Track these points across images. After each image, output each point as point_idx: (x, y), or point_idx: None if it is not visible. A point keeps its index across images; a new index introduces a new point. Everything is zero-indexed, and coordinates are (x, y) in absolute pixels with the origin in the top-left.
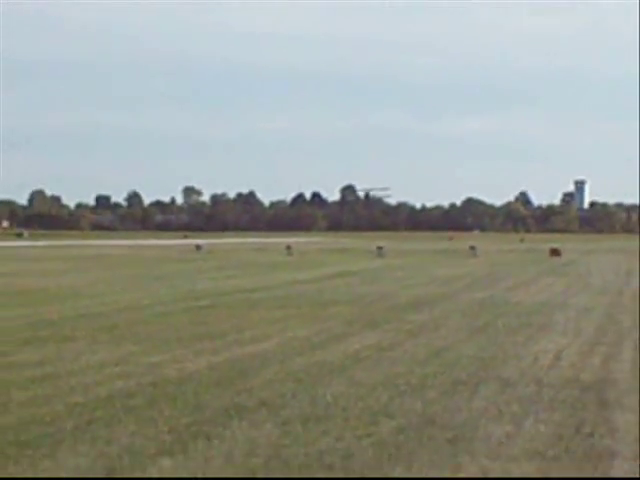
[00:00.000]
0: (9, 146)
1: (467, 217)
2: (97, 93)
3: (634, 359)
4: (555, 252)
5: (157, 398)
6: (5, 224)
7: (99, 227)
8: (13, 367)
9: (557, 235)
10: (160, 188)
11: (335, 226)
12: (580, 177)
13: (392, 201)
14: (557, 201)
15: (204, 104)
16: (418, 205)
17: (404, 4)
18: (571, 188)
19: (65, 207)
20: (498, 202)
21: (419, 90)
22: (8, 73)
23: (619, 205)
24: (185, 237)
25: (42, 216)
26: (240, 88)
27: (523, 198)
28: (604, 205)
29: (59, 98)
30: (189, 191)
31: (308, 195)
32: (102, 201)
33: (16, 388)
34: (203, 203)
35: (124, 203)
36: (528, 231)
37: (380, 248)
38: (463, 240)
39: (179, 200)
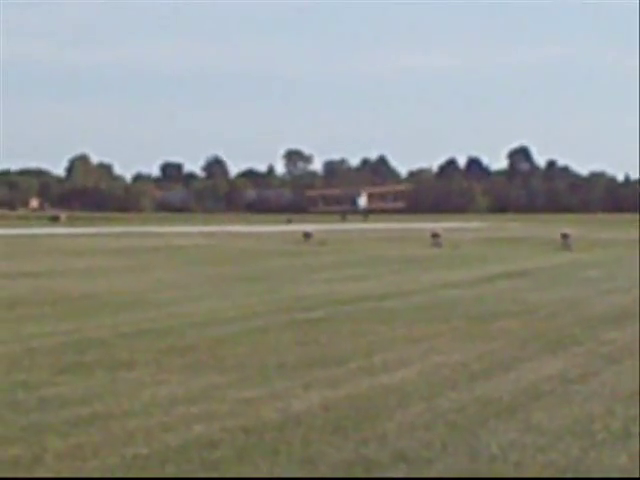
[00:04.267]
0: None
1: None
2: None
3: None
4: None
5: (250, 449)
6: (34, 203)
7: (167, 207)
8: (49, 404)
9: None
10: (253, 152)
11: (500, 205)
12: None
13: (582, 171)
14: None
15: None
16: (620, 176)
17: None
18: None
19: (119, 179)
20: None
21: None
22: None
23: None
24: (289, 221)
25: (86, 192)
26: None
27: None
28: None
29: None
30: (293, 156)
31: (462, 162)
32: (171, 171)
33: (53, 434)
34: (313, 173)
35: (201, 174)
36: None
37: (566, 237)
38: None
39: (279, 169)
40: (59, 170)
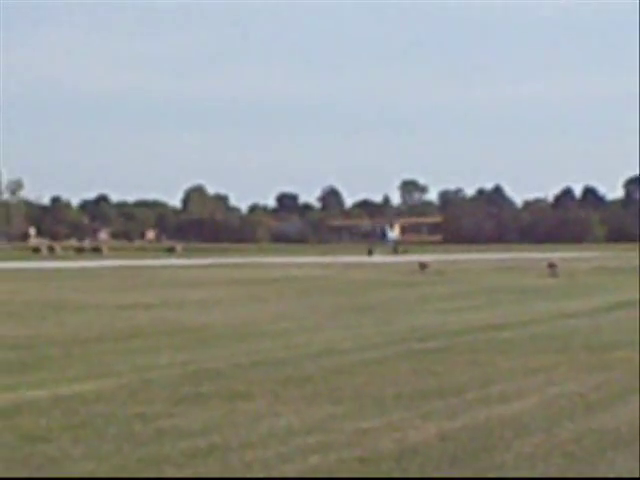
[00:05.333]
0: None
1: None
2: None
3: None
4: None
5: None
6: (151, 235)
7: (282, 238)
8: (166, 435)
9: None
10: (368, 183)
11: (616, 235)
12: None
13: None
14: None
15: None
16: None
17: None
18: None
19: (234, 210)
20: None
21: None
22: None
23: None
24: (404, 252)
25: (202, 223)
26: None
27: None
28: None
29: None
30: (409, 186)
31: (578, 191)
32: (287, 202)
33: (170, 465)
34: (429, 203)
35: (317, 204)
36: None
37: None
38: None
39: (395, 199)
40: (175, 201)
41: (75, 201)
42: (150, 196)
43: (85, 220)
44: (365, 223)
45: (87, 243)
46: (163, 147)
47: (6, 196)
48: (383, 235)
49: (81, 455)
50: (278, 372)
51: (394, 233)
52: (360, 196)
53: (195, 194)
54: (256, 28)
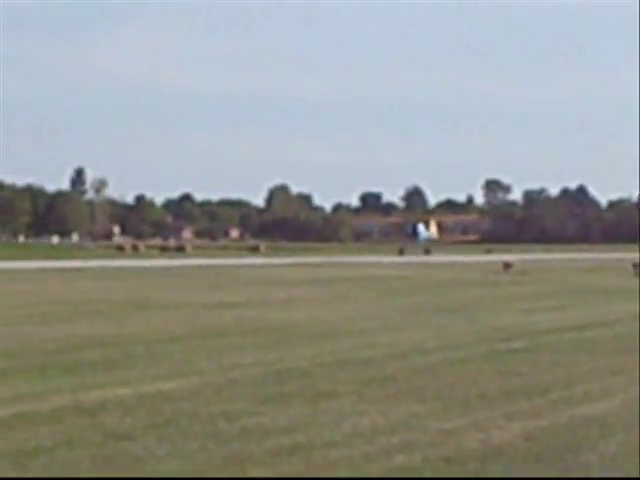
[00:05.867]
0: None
1: None
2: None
3: None
4: None
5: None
6: (234, 234)
7: (366, 237)
8: (250, 434)
9: None
10: (451, 182)
11: None
12: None
13: None
14: None
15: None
16: None
17: None
18: None
19: (318, 210)
20: None
21: None
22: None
23: None
24: (488, 251)
25: (285, 222)
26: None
27: None
28: None
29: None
30: (492, 186)
31: None
32: (370, 201)
33: (253, 463)
34: (513, 203)
35: (401, 204)
36: None
37: None
38: None
39: (479, 199)
40: (259, 201)
41: (159, 200)
42: (234, 195)
43: (169, 219)
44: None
45: (171, 242)
46: (247, 146)
47: (91, 195)
48: (415, 233)
49: (165, 453)
50: (362, 371)
51: (429, 231)
52: (444, 195)
53: (279, 193)
54: (335, 28)
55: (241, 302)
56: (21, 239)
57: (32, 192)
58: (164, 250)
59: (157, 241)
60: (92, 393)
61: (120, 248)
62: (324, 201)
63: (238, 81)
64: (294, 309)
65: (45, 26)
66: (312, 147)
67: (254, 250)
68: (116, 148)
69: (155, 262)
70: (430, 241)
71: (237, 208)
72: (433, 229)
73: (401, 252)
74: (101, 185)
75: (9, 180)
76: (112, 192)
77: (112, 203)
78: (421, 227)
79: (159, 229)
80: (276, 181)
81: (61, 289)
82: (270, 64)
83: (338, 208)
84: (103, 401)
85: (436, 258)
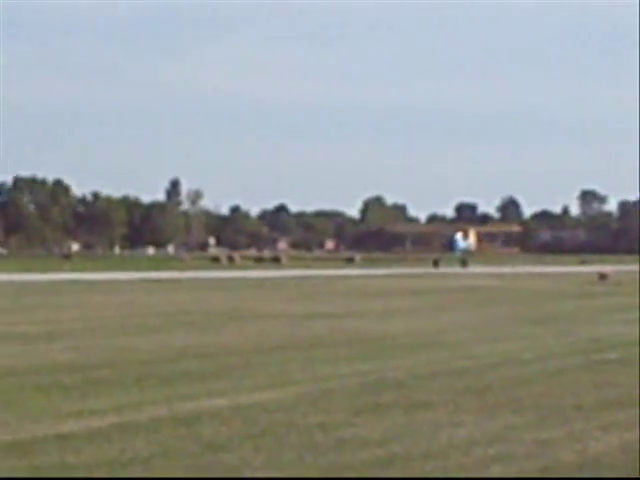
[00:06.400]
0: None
1: None
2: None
3: None
4: None
5: None
6: (330, 245)
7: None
8: (346, 445)
9: None
10: (547, 193)
11: None
12: None
13: None
14: None
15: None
16: None
17: None
18: None
19: (413, 221)
20: None
21: None
22: None
23: None
24: (582, 262)
25: (381, 234)
26: None
27: None
28: None
29: None
30: (588, 196)
31: None
32: (465, 211)
33: (350, 474)
34: (609, 214)
35: (496, 215)
36: None
37: None
38: None
39: (574, 210)
40: (353, 212)
41: (254, 211)
42: (329, 206)
43: (264, 230)
44: (543, 233)
45: (266, 253)
46: (342, 157)
47: (186, 206)
48: (451, 244)
49: (262, 464)
50: (458, 382)
51: (467, 242)
52: (539, 206)
53: (374, 204)
54: (425, 38)
55: (336, 313)
56: (117, 250)
57: (128, 203)
58: (259, 261)
59: (252, 252)
60: (188, 404)
61: (215, 259)
62: (419, 212)
63: (333, 92)
64: (390, 320)
65: (144, 41)
66: (407, 157)
67: (349, 261)
68: (211, 159)
69: (250, 273)
70: (467, 252)
71: (332, 219)
72: (472, 239)
73: (436, 264)
74: (196, 196)
75: (105, 191)
76: (207, 203)
77: (207, 214)
78: (459, 237)
79: (254, 240)
80: (371, 192)
81: (157, 300)
82: (364, 75)
83: (433, 219)
84: (199, 411)
85: (528, 269)
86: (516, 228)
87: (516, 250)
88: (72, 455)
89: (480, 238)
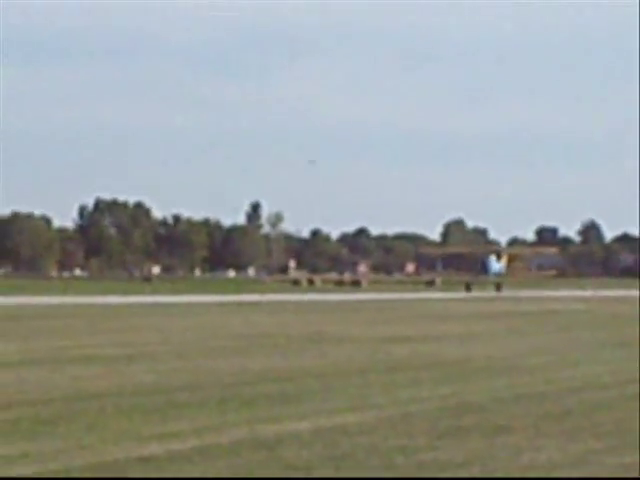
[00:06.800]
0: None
1: None
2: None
3: None
4: None
5: None
6: (410, 268)
7: (540, 271)
8: (426, 468)
9: None
10: (629, 216)
11: None
12: None
13: None
14: None
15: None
16: None
17: None
18: None
19: (492, 243)
20: None
21: None
22: None
23: None
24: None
25: (461, 256)
26: None
27: None
28: None
29: None
30: None
31: None
32: (546, 235)
33: None
34: None
35: (576, 238)
36: None
37: None
38: None
39: None
40: (434, 235)
41: (335, 234)
42: (409, 229)
43: (345, 253)
44: (625, 256)
45: (347, 276)
46: (423, 180)
47: (267, 229)
48: (484, 267)
49: None
50: (538, 406)
51: (500, 264)
52: (620, 230)
53: (454, 227)
54: (507, 64)
55: (416, 336)
56: (197, 273)
57: (209, 226)
58: (340, 284)
59: (333, 275)
60: (269, 426)
61: (296, 282)
62: (500, 235)
63: (414, 115)
64: (469, 344)
65: (231, 63)
66: (487, 181)
67: (430, 284)
68: (292, 183)
69: (331, 296)
70: (500, 275)
71: (413, 242)
72: (504, 262)
73: (468, 288)
74: (277, 219)
75: (186, 214)
76: (288, 226)
77: (288, 237)
78: (492, 260)
79: (335, 263)
80: (452, 215)
81: (238, 323)
82: (448, 99)
83: (514, 242)
84: (280, 434)
85: (611, 292)
86: (553, 250)
87: (553, 272)
88: (154, 478)
89: (513, 260)
